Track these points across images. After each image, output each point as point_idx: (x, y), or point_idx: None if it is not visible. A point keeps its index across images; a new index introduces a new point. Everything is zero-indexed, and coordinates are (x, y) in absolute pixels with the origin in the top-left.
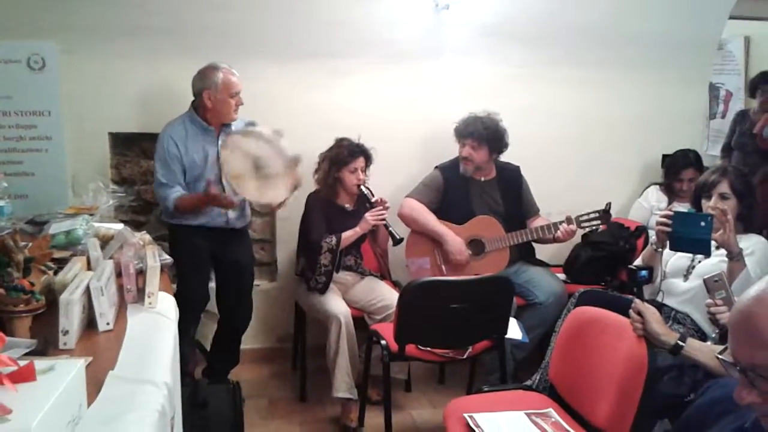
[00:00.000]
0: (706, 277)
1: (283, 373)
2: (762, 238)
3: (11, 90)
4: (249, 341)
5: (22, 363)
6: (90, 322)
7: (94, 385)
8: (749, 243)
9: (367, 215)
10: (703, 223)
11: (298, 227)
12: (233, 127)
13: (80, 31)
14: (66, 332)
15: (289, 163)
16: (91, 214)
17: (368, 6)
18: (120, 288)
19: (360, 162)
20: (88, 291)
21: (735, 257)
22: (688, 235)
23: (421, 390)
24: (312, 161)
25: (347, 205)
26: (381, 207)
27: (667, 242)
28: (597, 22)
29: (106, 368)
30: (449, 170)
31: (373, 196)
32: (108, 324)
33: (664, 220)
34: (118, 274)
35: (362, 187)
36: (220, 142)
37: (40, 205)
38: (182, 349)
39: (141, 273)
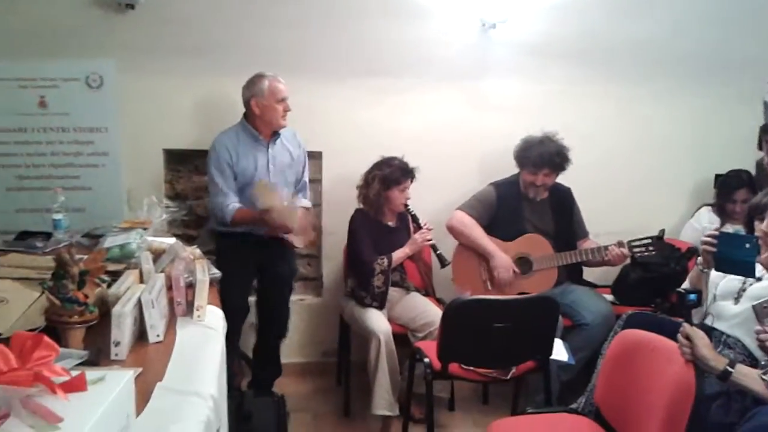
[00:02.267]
0: (755, 303)
1: (327, 389)
2: None
3: (70, 107)
4: (293, 355)
5: (75, 373)
6: (141, 334)
7: (143, 396)
8: None
9: (417, 236)
10: (748, 245)
11: (344, 246)
12: (282, 137)
13: (137, 49)
14: (118, 343)
15: (305, 227)
16: (145, 228)
17: (416, 25)
18: (170, 301)
19: (408, 182)
20: (139, 303)
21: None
22: (733, 257)
23: (465, 409)
24: (356, 177)
25: (390, 223)
26: (427, 228)
27: (713, 263)
28: (647, 38)
29: (155, 379)
30: (503, 187)
31: (416, 215)
32: (158, 336)
33: (708, 239)
34: (169, 288)
35: (408, 206)
36: (270, 151)
37: (96, 218)
38: (228, 361)
39: (190, 286)
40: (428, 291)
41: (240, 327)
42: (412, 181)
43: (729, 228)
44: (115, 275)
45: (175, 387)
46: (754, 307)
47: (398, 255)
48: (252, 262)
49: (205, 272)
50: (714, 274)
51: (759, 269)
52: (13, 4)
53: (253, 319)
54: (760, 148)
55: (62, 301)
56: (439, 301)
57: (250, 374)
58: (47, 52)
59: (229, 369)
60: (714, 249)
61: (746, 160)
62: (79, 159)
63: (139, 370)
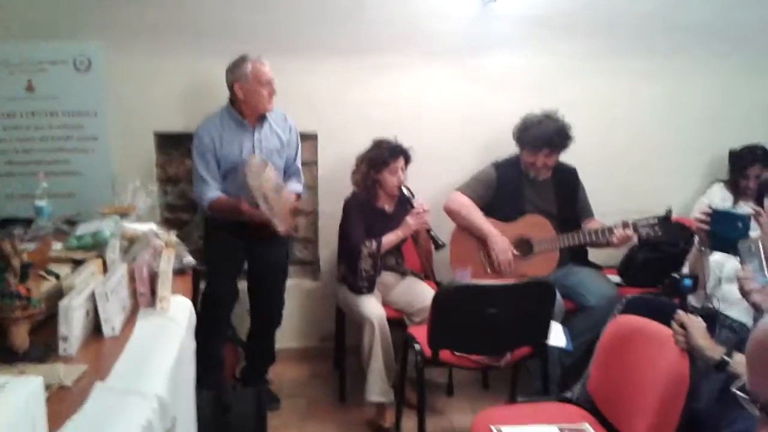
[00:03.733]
0: (740, 242)
1: (324, 373)
2: None
3: (58, 91)
4: (291, 340)
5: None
6: (97, 327)
7: (85, 396)
8: None
9: (409, 219)
10: (740, 224)
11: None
12: (271, 120)
13: (125, 30)
14: (65, 339)
15: (288, 212)
16: (125, 214)
17: (413, 0)
18: (135, 291)
19: (400, 162)
20: (94, 295)
21: None
22: (725, 235)
23: (464, 394)
24: (353, 158)
25: (387, 207)
26: (422, 210)
27: (707, 241)
28: (655, 9)
29: (101, 378)
30: (504, 167)
31: (414, 197)
32: (113, 330)
33: (701, 217)
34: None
35: (403, 187)
36: (256, 136)
37: (86, 204)
38: (212, 349)
39: (158, 276)
40: (427, 275)
41: (229, 313)
42: (407, 163)
43: (743, 205)
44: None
45: (116, 386)
46: (739, 246)
47: (389, 238)
48: (241, 248)
49: (170, 261)
50: (719, 255)
51: None
52: None
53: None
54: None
55: (2, 296)
56: (438, 285)
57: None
58: (34, 35)
59: (215, 358)
60: (707, 227)
61: (762, 134)
62: (68, 144)
63: (84, 368)
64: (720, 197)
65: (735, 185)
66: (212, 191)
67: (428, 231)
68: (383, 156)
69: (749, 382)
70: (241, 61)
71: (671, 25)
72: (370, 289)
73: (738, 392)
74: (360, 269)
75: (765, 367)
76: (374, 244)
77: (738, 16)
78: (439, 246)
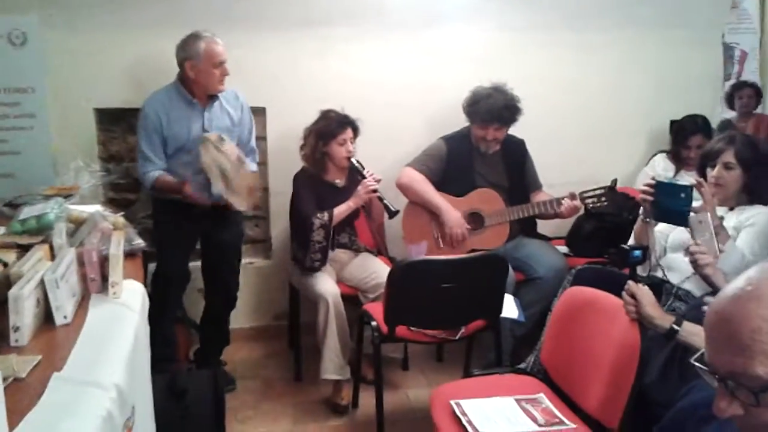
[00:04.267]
0: (691, 215)
1: (279, 353)
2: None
3: None
4: (244, 320)
5: None
6: (48, 316)
7: (43, 388)
8: (751, 213)
9: (360, 188)
10: (683, 195)
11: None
12: (222, 98)
13: (62, 3)
14: (17, 329)
15: (249, 188)
16: (68, 196)
17: None
18: (84, 277)
19: (348, 133)
20: (43, 283)
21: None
22: (669, 206)
23: (419, 368)
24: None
25: (338, 181)
26: (373, 179)
27: (652, 212)
28: None
29: (57, 367)
30: (454, 141)
31: (363, 168)
32: (65, 318)
33: (646, 188)
34: (83, 262)
35: (353, 159)
36: (206, 115)
37: (26, 185)
38: (165, 331)
39: (108, 260)
40: (380, 250)
41: (181, 295)
42: (356, 134)
43: (684, 175)
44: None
45: (73, 377)
46: (689, 218)
47: (341, 209)
48: (192, 227)
49: (120, 245)
50: (663, 225)
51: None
52: None
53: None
54: (731, 106)
55: None
56: (391, 261)
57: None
58: None
59: (168, 340)
60: (651, 198)
61: (703, 105)
62: (5, 122)
63: (38, 358)
64: (662, 167)
65: (677, 155)
66: (156, 170)
67: (381, 200)
68: (330, 127)
69: (708, 355)
70: (194, 38)
71: None
72: (323, 262)
73: (696, 363)
74: (312, 241)
75: (724, 340)
76: (326, 215)
77: None
78: (392, 213)
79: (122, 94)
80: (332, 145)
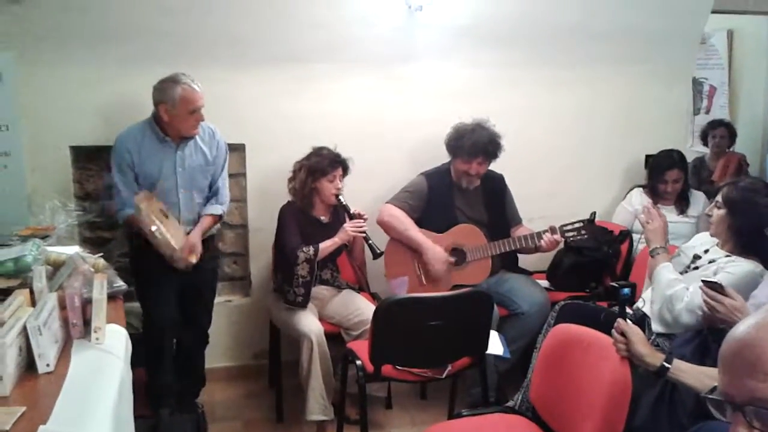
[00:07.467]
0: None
1: (259, 392)
2: (752, 267)
3: None
4: (222, 359)
5: None
6: (30, 364)
7: None
8: (735, 264)
9: (347, 226)
10: None
11: (273, 241)
12: (197, 137)
13: (37, 40)
14: None
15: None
16: (45, 236)
17: (339, 8)
18: (66, 322)
19: (339, 171)
20: (25, 330)
21: (651, 252)
22: None
23: (403, 407)
24: (283, 169)
25: (323, 217)
26: (360, 218)
27: None
28: (572, 18)
29: (41, 419)
30: (434, 177)
31: (348, 206)
32: (48, 366)
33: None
34: (64, 307)
35: (340, 197)
36: (178, 153)
37: (1, 225)
38: (160, 379)
39: (90, 303)
40: (362, 286)
41: (171, 338)
42: (345, 173)
43: (661, 209)
44: (8, 294)
45: (60, 430)
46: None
47: (326, 245)
48: (170, 270)
49: (103, 289)
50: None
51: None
52: None
53: None
54: (705, 143)
55: None
56: (373, 297)
57: None
58: None
59: (163, 388)
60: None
61: (676, 139)
62: None
63: (22, 409)
64: (639, 202)
65: (654, 189)
66: (128, 206)
67: (366, 240)
68: (322, 164)
69: (724, 385)
70: (171, 82)
71: (588, 36)
72: (305, 298)
73: (709, 397)
74: (297, 275)
75: (747, 366)
76: (311, 249)
77: (652, 25)
78: (377, 255)
79: (98, 131)
80: (322, 181)
